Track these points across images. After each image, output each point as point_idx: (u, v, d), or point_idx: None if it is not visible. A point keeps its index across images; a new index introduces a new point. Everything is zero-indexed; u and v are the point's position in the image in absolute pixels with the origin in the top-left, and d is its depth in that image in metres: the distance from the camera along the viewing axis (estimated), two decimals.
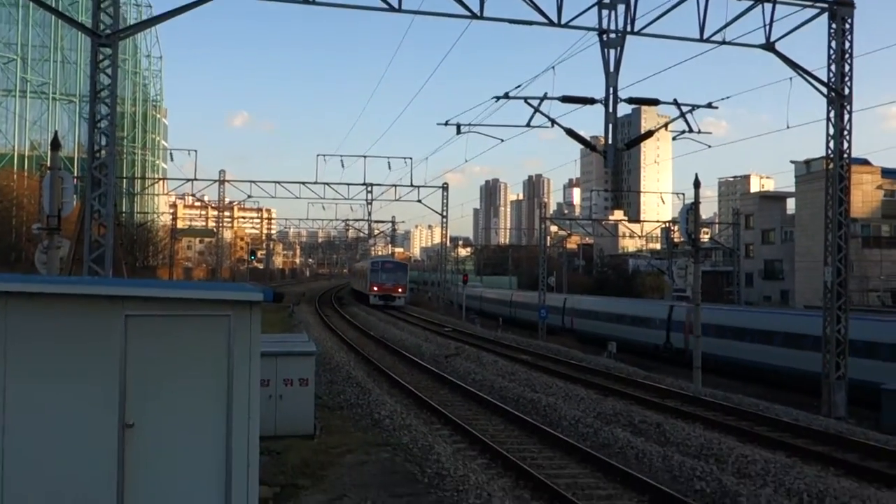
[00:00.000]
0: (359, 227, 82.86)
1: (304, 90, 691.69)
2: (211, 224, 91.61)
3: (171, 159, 68.08)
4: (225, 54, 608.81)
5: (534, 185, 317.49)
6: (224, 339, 7.54)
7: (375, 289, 61.98)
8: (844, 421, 19.10)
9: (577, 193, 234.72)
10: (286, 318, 41.76)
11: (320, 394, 17.51)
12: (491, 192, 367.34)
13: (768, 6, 20.65)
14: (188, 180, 54.72)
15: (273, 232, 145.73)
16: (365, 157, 54.24)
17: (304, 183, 54.95)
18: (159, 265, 77.07)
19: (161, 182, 78.10)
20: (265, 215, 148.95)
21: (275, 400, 13.06)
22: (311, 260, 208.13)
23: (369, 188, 56.79)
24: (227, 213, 79.73)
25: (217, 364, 7.58)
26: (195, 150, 53.00)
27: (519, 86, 22.32)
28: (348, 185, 55.88)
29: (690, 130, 23.12)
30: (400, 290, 62.81)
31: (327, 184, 54.67)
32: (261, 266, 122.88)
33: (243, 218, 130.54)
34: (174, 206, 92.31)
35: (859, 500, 10.39)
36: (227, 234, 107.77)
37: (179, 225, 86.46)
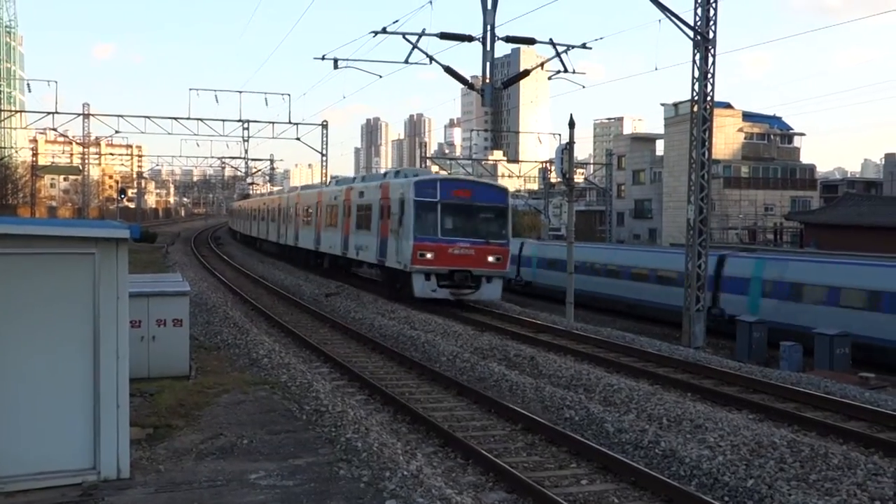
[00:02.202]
0: (235, 166, 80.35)
1: (174, 21, 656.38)
2: (76, 161, 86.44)
3: (29, 90, 63.55)
4: None
5: (415, 125, 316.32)
6: (89, 278, 7.23)
7: (430, 257, 24.05)
8: (703, 350, 20.46)
9: (458, 133, 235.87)
10: (160, 258, 40.31)
11: (196, 334, 17.12)
12: (372, 130, 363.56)
13: None
14: (49, 113, 51.20)
15: (144, 170, 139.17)
16: (241, 92, 52.27)
17: (176, 118, 52.51)
18: (20, 204, 72.40)
19: (19, 115, 72.77)
20: (135, 152, 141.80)
21: (147, 341, 12.68)
22: (186, 199, 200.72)
23: (246, 125, 54.95)
24: (93, 150, 75.30)
25: (82, 304, 7.28)
26: (55, 82, 49.64)
27: (396, 21, 21.99)
28: (223, 121, 53.87)
29: (566, 70, 23.55)
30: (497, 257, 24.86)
31: (201, 119, 52.48)
32: (132, 205, 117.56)
33: (111, 155, 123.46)
34: (34, 141, 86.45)
35: (713, 421, 11.20)
36: (95, 172, 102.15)
37: (41, 161, 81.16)
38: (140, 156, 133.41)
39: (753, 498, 8.57)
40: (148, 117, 52.85)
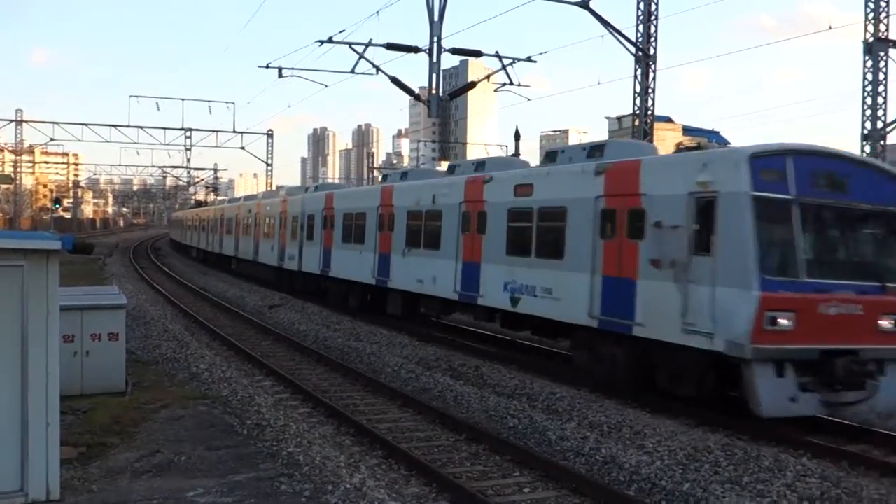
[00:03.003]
0: (177, 175, 79.02)
1: (114, 26, 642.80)
2: (8, 169, 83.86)
3: None
4: None
5: (363, 135, 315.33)
6: (17, 291, 7.02)
7: (788, 325, 10.91)
8: None
9: (405, 144, 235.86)
10: (97, 270, 39.32)
11: (133, 349, 16.77)
12: (319, 140, 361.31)
13: None
14: None
15: (81, 178, 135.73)
16: (183, 100, 51.59)
17: (115, 126, 51.52)
18: None
19: None
20: (72, 160, 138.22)
21: (80, 356, 12.36)
22: (125, 209, 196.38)
23: (188, 133, 54.25)
24: (26, 157, 73.15)
25: (9, 319, 7.06)
26: None
27: (343, 30, 22.01)
28: (165, 129, 53.15)
29: (512, 83, 23.82)
30: None
31: (141, 127, 51.66)
32: (68, 216, 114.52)
33: (46, 163, 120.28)
34: None
35: (651, 428, 11.39)
36: (28, 181, 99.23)
37: None
38: (76, 164, 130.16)
39: (689, 501, 8.74)
40: (85, 124, 51.76)
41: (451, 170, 21.61)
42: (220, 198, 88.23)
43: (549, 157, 17.00)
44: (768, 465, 9.65)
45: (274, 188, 52.50)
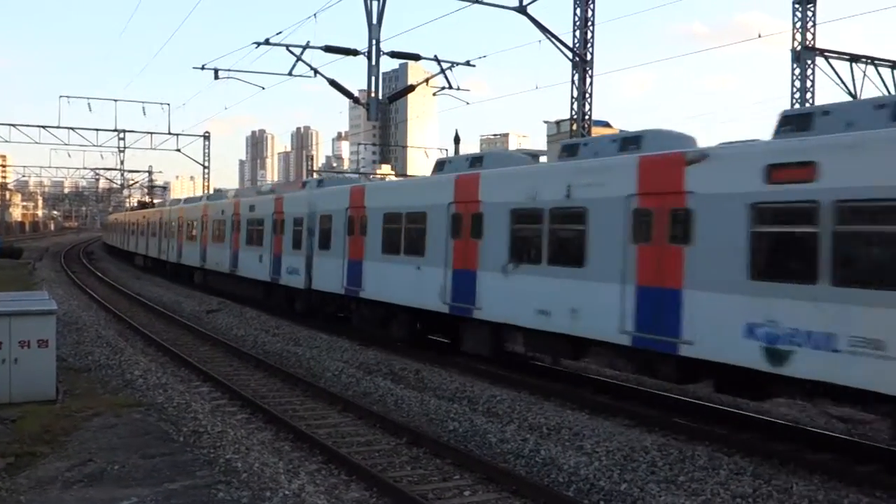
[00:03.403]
0: (111, 177, 77.07)
1: (44, 23, 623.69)
2: None
3: None
4: None
5: (302, 137, 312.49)
6: None
7: None
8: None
9: (345, 147, 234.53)
10: (26, 275, 38.07)
11: (64, 355, 16.31)
12: (257, 142, 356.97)
13: None
14: None
15: (9, 181, 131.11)
16: (116, 100, 50.38)
17: (44, 127, 49.97)
18: None
19: None
20: None
21: (9, 364, 11.98)
22: (56, 212, 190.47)
23: (122, 135, 52.98)
24: None
25: None
26: None
27: (280, 32, 21.83)
28: (97, 130, 51.79)
29: (451, 87, 23.93)
30: None
31: (72, 128, 50.22)
32: None
33: None
34: None
35: (590, 429, 11.57)
36: None
37: None
38: (4, 166, 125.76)
39: (626, 501, 8.90)
40: (13, 125, 50.10)
41: (440, 166, 19.51)
42: (174, 198, 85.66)
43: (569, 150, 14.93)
44: (703, 465, 9.90)
45: (211, 191, 50.97)
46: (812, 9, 25.42)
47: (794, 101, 25.52)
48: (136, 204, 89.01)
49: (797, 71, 25.31)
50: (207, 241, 33.62)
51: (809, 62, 25.19)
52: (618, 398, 14.30)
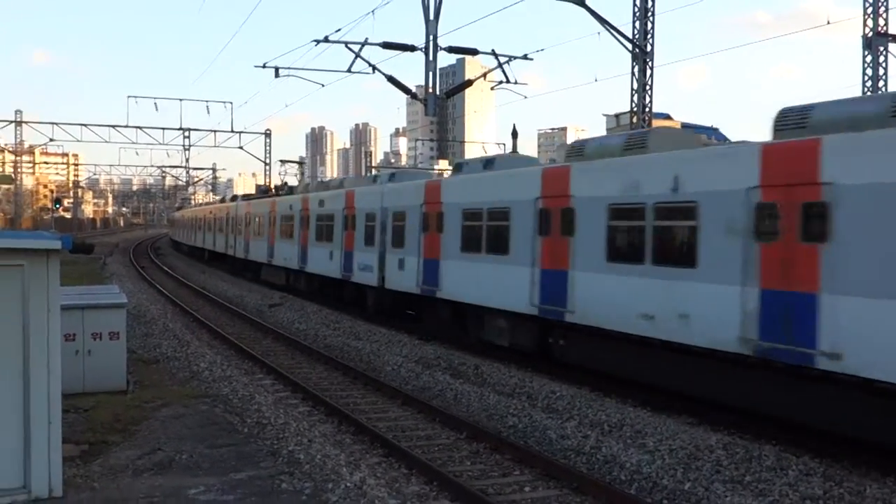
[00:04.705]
0: (176, 175, 79.02)
1: (112, 27, 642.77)
2: (8, 170, 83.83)
3: None
4: None
5: (360, 134, 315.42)
6: (18, 290, 7.03)
7: None
8: None
9: (403, 142, 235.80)
10: (97, 270, 39.33)
11: (134, 347, 16.80)
12: (317, 139, 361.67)
13: None
14: None
15: (81, 179, 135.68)
16: (181, 100, 51.57)
17: (114, 126, 51.50)
18: None
19: None
20: (72, 161, 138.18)
21: (82, 355, 12.39)
22: (125, 209, 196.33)
23: (186, 133, 54.22)
24: (26, 158, 73.15)
25: (10, 318, 7.07)
26: None
27: (339, 30, 22.05)
28: (163, 129, 53.12)
29: (508, 81, 23.82)
30: None
31: (140, 128, 51.62)
32: (68, 216, 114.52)
33: (46, 163, 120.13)
34: None
35: (652, 427, 11.40)
36: (28, 181, 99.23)
37: None
38: (76, 164, 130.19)
39: (690, 500, 8.75)
40: (84, 125, 51.75)
41: (458, 168, 19.68)
42: (244, 193, 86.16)
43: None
44: (770, 465, 9.65)
45: (273, 188, 51.41)
46: None
47: (866, 89, 24.69)
48: (194, 202, 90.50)
49: (869, 58, 24.47)
50: (275, 237, 32.93)
51: (882, 49, 24.33)
52: (679, 397, 14.04)
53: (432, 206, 19.57)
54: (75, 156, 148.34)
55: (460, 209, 18.31)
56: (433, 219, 19.51)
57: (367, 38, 22.29)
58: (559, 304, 14.80)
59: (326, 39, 22.68)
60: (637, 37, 22.57)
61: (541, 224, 15.49)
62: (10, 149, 64.14)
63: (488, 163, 18.15)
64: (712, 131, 70.76)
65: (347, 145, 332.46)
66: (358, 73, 24.01)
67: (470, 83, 25.06)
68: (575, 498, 9.10)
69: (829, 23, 24.18)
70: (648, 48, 22.67)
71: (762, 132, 13.42)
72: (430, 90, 19.79)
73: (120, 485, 8.28)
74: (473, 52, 23.71)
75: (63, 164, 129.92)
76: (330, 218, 26.52)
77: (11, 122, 56.03)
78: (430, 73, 19.48)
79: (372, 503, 8.17)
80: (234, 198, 47.95)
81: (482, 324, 17.94)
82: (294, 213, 30.57)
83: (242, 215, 40.01)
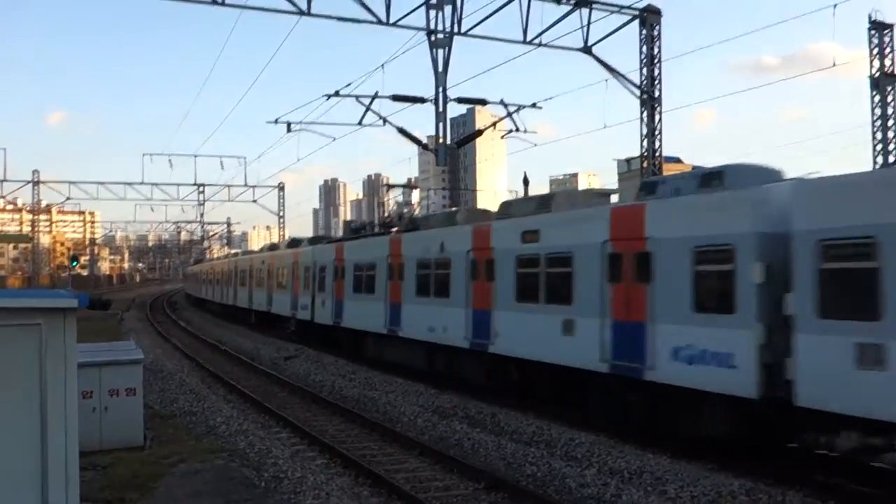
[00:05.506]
0: (191, 230, 79.77)
1: (126, 87, 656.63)
2: (26, 229, 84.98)
3: None
4: (37, 47, 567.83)
5: (373, 184, 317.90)
6: (35, 349, 7.09)
7: None
8: None
9: (415, 193, 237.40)
10: (114, 325, 39.52)
11: (151, 403, 16.79)
12: (330, 190, 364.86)
13: (585, 12, 21.88)
14: None
15: (97, 236, 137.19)
16: (195, 156, 52.75)
17: (129, 183, 52.34)
18: None
19: None
20: (88, 218, 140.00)
21: (99, 412, 12.41)
22: (140, 265, 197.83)
23: (201, 188, 55.03)
24: (43, 217, 74.16)
25: (28, 376, 7.11)
26: (4, 149, 49.23)
27: (349, 84, 22.46)
28: (178, 185, 53.92)
29: (517, 129, 24.08)
30: None
31: (155, 184, 52.49)
32: (85, 272, 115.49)
33: (63, 221, 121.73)
34: None
35: (673, 473, 11.24)
36: (45, 239, 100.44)
37: None
38: (93, 222, 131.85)
39: None
40: (100, 183, 52.62)
41: (506, 207, 18.56)
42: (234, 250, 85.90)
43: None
44: None
45: (283, 239, 50.31)
46: (889, 34, 24.79)
47: (875, 128, 24.79)
48: (207, 256, 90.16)
49: (877, 98, 24.60)
50: (299, 290, 31.37)
51: (889, 89, 24.48)
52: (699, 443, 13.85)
53: (481, 253, 18.24)
54: (92, 213, 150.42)
55: (514, 256, 17.01)
56: (482, 266, 18.20)
57: (377, 91, 22.71)
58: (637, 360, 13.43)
59: (337, 94, 23.08)
60: (644, 83, 22.83)
61: (610, 269, 14.25)
62: (28, 208, 65.13)
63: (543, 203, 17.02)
64: None
65: (360, 196, 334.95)
66: (369, 125, 24.41)
67: (480, 133, 25.36)
68: None
69: (834, 64, 24.43)
70: (656, 94, 22.91)
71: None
72: (441, 140, 20.03)
73: None
74: (483, 102, 24.06)
75: (80, 221, 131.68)
76: (371, 267, 24.12)
77: (29, 182, 57.03)
78: (440, 124, 19.74)
79: None
80: (293, 242, 38.90)
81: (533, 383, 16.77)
82: (327, 263, 28.40)
83: (266, 267, 37.47)
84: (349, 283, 25.71)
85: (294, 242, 38.15)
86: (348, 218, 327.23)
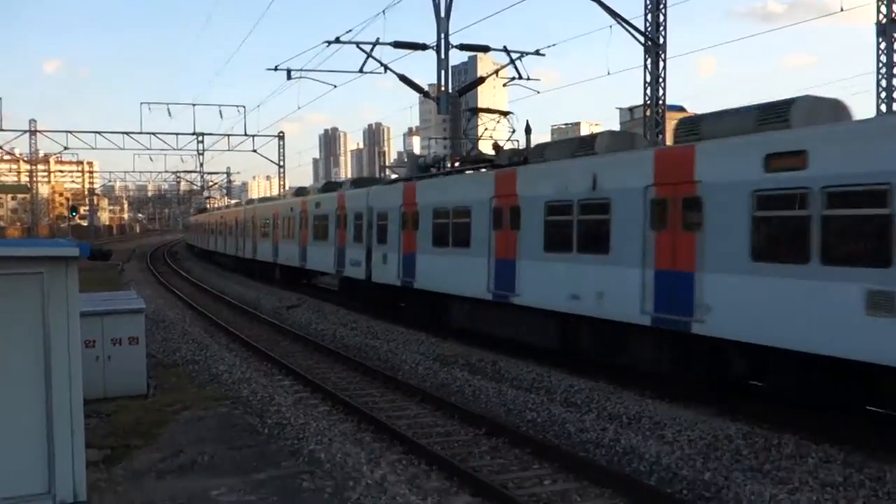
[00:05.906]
0: (191, 180, 79.49)
1: (123, 35, 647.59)
2: (24, 179, 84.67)
3: None
4: None
5: (374, 134, 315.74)
6: (37, 298, 7.11)
7: None
8: None
9: (416, 141, 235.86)
10: (115, 276, 39.67)
11: (154, 352, 16.94)
12: (330, 140, 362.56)
13: None
14: None
15: (96, 186, 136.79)
16: (194, 105, 51.92)
17: (127, 133, 51.95)
18: None
19: None
20: (86, 168, 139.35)
21: (102, 361, 12.53)
22: (140, 215, 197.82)
23: (200, 138, 54.58)
24: (41, 167, 73.81)
25: (31, 326, 7.16)
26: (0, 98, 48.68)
27: (350, 30, 22.12)
28: (177, 134, 53.56)
29: (521, 77, 23.80)
30: None
31: (154, 133, 52.05)
32: (84, 223, 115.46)
33: (61, 171, 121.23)
34: None
35: (670, 418, 11.39)
36: (44, 190, 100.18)
37: None
38: (91, 172, 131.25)
39: (711, 489, 8.74)
40: (98, 132, 52.17)
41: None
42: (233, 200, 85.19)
43: None
44: (790, 453, 9.63)
45: (286, 189, 50.81)
46: None
47: (880, 76, 24.46)
48: (208, 206, 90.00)
49: (882, 45, 24.23)
50: (346, 242, 27.29)
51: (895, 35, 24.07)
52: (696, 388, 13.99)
53: (505, 200, 16.76)
54: (90, 163, 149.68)
55: (543, 202, 15.60)
56: (506, 214, 16.90)
57: (378, 38, 22.36)
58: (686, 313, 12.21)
59: (338, 40, 22.76)
60: (649, 29, 22.48)
61: (653, 216, 12.93)
62: (26, 158, 64.76)
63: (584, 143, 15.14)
64: None
65: (361, 146, 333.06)
66: (370, 73, 24.10)
67: (482, 80, 25.08)
68: (595, 490, 9.11)
69: (842, 10, 23.97)
70: (661, 41, 22.58)
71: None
72: (443, 88, 19.82)
73: (143, 488, 8.38)
74: (485, 49, 23.72)
75: (78, 171, 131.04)
76: (383, 217, 23.21)
77: (26, 131, 56.56)
78: (443, 72, 19.51)
79: (393, 499, 8.21)
80: (329, 185, 35.94)
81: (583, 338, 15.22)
82: (329, 213, 28.02)
83: (296, 214, 33.57)
84: (425, 233, 20.76)
85: (331, 185, 34.62)
86: (350, 167, 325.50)
